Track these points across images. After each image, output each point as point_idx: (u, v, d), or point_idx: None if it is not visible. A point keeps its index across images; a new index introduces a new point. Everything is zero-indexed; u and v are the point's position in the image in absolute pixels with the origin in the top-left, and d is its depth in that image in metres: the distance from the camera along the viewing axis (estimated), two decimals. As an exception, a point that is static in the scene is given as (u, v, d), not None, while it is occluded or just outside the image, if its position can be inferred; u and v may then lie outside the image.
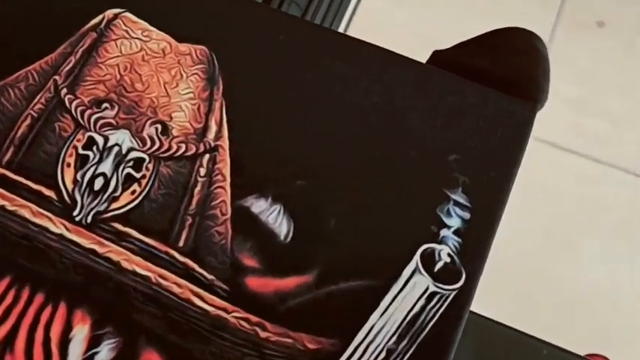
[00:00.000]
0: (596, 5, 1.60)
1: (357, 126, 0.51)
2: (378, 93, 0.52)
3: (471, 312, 0.50)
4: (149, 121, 0.52)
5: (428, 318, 0.47)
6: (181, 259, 0.48)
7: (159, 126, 0.52)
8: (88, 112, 0.51)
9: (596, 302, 1.30)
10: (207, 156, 0.51)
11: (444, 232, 0.49)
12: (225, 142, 0.51)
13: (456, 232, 0.49)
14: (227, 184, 0.50)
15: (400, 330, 0.47)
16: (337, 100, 0.52)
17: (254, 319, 0.47)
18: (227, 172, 0.50)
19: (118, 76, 0.53)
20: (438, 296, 0.48)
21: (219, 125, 0.51)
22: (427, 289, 0.48)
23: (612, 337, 1.32)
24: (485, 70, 0.53)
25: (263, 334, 0.47)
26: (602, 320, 1.30)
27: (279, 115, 0.52)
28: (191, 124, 0.52)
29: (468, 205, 0.50)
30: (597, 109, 1.52)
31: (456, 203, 0.50)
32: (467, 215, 0.49)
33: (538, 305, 1.29)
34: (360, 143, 0.51)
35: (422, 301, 0.48)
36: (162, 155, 0.51)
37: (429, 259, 0.48)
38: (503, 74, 0.53)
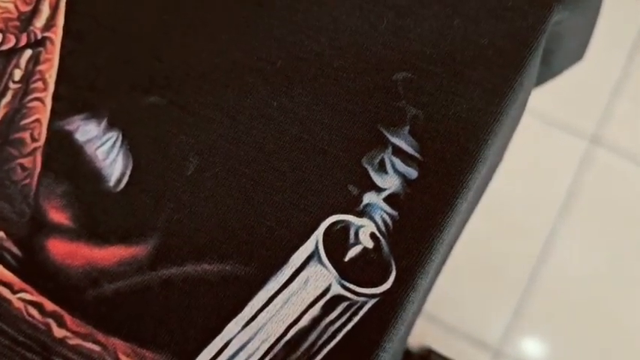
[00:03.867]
0: None
1: (251, 16, 0.33)
2: None
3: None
4: None
5: (336, 327, 0.29)
6: None
7: None
8: None
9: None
10: (27, 52, 0.34)
11: (369, 198, 0.30)
12: (56, 34, 0.34)
13: (391, 200, 0.30)
14: (48, 96, 0.33)
15: (289, 336, 0.29)
16: None
17: (50, 306, 0.30)
18: (51, 77, 0.33)
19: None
20: (345, 303, 0.29)
21: (54, 9, 0.34)
22: (329, 288, 0.29)
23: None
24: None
25: (58, 332, 0.30)
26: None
27: (142, 3, 0.34)
28: (16, 6, 0.35)
29: (417, 155, 0.30)
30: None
31: (397, 151, 0.30)
32: (412, 173, 0.30)
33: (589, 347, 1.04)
34: (251, 41, 0.32)
35: (322, 304, 0.29)
36: None
37: (337, 241, 0.29)
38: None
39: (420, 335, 1.01)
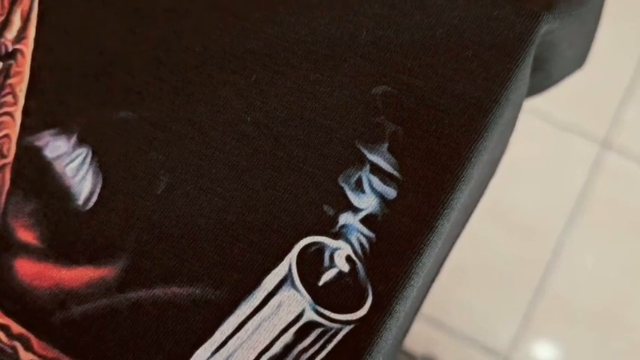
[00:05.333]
0: None
1: (226, 29, 0.31)
2: None
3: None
4: None
5: (308, 355, 0.28)
6: None
7: None
8: None
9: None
10: (-2, 65, 0.33)
11: (345, 219, 0.28)
12: (27, 47, 0.33)
13: (368, 221, 0.28)
14: (17, 111, 0.32)
15: None
16: None
17: (17, 329, 0.29)
18: (21, 91, 0.32)
19: None
20: (319, 330, 0.28)
21: (25, 21, 0.34)
22: (302, 313, 0.28)
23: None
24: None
25: (25, 356, 0.29)
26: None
27: (114, 13, 0.33)
28: (-11, 17, 0.34)
29: (396, 174, 0.29)
30: None
31: (375, 169, 0.29)
32: (390, 192, 0.28)
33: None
34: (225, 54, 0.30)
35: (295, 330, 0.28)
36: None
37: (311, 264, 0.28)
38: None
39: (429, 341, 0.99)
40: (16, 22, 0.33)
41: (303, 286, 0.27)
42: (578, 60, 0.41)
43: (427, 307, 0.37)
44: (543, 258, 1.00)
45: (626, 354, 0.97)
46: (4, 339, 0.29)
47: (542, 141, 1.04)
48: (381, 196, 0.28)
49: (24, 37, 0.33)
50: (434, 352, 0.97)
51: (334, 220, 0.28)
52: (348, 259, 0.27)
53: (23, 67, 0.32)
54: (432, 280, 0.32)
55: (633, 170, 1.02)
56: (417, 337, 1.00)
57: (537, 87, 0.42)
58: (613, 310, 0.98)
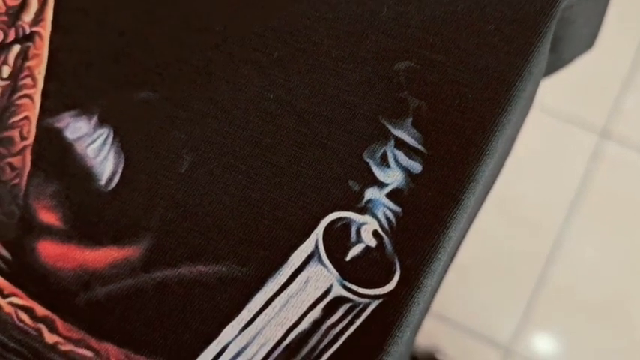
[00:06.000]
0: None
1: (247, 6, 0.31)
2: None
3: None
4: None
5: (337, 330, 0.28)
6: None
7: None
8: None
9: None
10: (16, 48, 0.33)
11: (371, 194, 0.28)
12: (45, 29, 0.33)
13: (394, 196, 0.28)
14: (37, 93, 0.32)
15: (289, 340, 0.27)
16: None
17: (41, 311, 0.29)
18: (40, 74, 0.32)
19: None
20: (347, 305, 0.28)
21: (43, 3, 0.33)
22: (330, 289, 0.28)
23: None
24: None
25: (50, 338, 0.29)
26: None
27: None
28: (4, 1, 0.34)
29: (421, 149, 0.29)
30: None
31: (400, 144, 0.29)
32: (416, 167, 0.28)
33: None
34: (247, 32, 0.30)
35: (323, 306, 0.28)
36: None
37: (338, 239, 0.28)
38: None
39: (431, 334, 0.99)
40: (34, 4, 0.33)
41: (331, 261, 0.27)
42: (590, 40, 0.41)
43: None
44: (544, 250, 1.01)
45: (626, 345, 0.98)
46: (29, 321, 0.29)
47: (541, 132, 1.04)
48: (407, 171, 0.28)
49: (41, 20, 0.32)
50: (437, 344, 0.97)
51: (360, 195, 0.28)
52: (375, 233, 0.27)
53: (41, 50, 0.32)
54: (453, 257, 0.33)
55: (633, 160, 1.02)
56: (420, 330, 1.00)
57: (548, 68, 0.42)
58: (614, 301, 0.99)
